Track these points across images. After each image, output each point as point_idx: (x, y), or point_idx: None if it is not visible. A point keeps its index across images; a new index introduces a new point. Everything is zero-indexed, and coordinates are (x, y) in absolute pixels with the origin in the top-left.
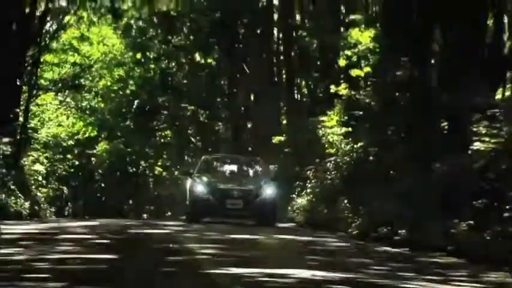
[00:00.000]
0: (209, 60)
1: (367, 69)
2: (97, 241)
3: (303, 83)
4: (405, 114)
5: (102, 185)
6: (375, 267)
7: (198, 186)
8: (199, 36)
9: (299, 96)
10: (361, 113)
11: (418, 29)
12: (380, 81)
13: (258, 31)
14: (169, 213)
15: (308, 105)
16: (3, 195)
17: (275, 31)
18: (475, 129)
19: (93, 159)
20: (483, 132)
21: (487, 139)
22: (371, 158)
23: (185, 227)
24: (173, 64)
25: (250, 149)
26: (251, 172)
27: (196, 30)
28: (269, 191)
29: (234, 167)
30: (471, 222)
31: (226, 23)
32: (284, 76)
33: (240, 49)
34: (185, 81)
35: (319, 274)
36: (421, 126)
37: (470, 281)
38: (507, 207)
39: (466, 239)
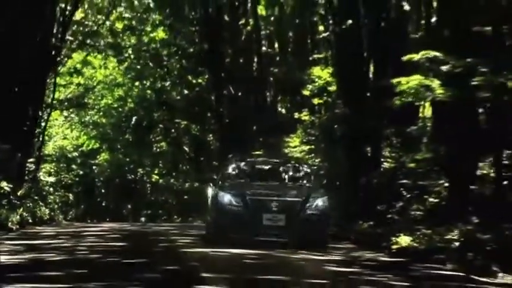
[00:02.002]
0: (199, 81)
1: (322, 100)
2: (111, 236)
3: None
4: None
5: (103, 191)
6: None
7: (225, 196)
8: (192, 61)
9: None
10: (317, 133)
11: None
12: (328, 115)
13: (241, 60)
14: (164, 217)
15: (281, 126)
16: (30, 204)
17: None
18: (387, 153)
19: (94, 168)
20: (387, 155)
21: (389, 160)
22: (322, 172)
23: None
24: (167, 84)
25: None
26: (295, 179)
27: (189, 55)
28: (319, 202)
29: (272, 172)
30: (371, 222)
31: (214, 50)
32: (269, 99)
33: (227, 72)
34: (178, 98)
35: None
36: (353, 150)
37: (344, 254)
38: (392, 210)
39: (363, 232)
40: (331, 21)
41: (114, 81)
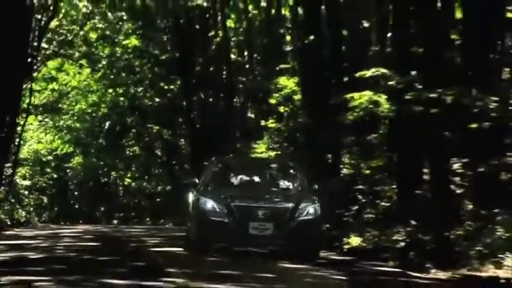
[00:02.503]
0: (171, 87)
1: (288, 108)
2: (85, 237)
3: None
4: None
5: (76, 193)
6: None
7: (208, 202)
8: (164, 68)
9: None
10: (281, 140)
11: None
12: (292, 124)
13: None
14: (136, 220)
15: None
16: (8, 207)
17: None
18: (347, 160)
19: (68, 171)
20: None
21: (348, 167)
22: None
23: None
24: (139, 90)
25: (206, 163)
26: (284, 183)
27: (161, 62)
28: (311, 209)
29: (260, 176)
30: (328, 225)
31: (185, 58)
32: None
33: (197, 79)
34: (150, 104)
35: None
36: (315, 157)
37: None
38: (348, 213)
39: None
40: (296, 35)
41: (88, 87)
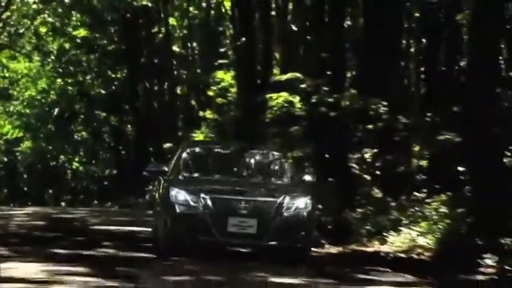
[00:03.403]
0: (118, 75)
1: (226, 100)
2: (34, 217)
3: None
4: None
5: (25, 176)
6: None
7: (179, 193)
8: (111, 58)
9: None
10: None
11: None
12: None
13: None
14: (83, 202)
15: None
16: None
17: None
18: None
19: (18, 154)
20: None
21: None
22: None
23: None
24: (88, 78)
25: (151, 149)
26: (270, 173)
27: (108, 52)
28: (300, 203)
29: (241, 164)
30: None
31: (131, 50)
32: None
33: (142, 69)
34: (98, 91)
35: None
36: None
37: None
38: None
39: None
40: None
41: (38, 74)
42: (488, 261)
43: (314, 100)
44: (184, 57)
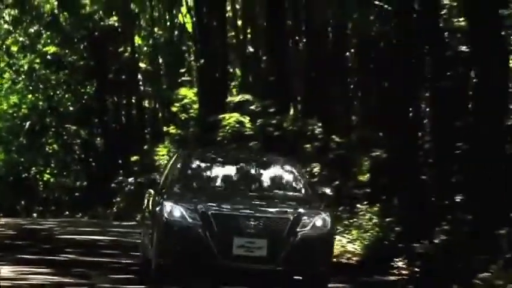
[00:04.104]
0: (88, 90)
1: (188, 116)
2: (6, 227)
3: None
4: None
5: None
6: None
7: (175, 208)
8: (80, 73)
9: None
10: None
11: None
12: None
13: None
14: (55, 213)
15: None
16: None
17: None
18: None
19: None
20: None
21: None
22: None
23: None
24: (58, 92)
25: (120, 161)
26: (282, 185)
27: (77, 68)
28: (318, 221)
29: (247, 175)
30: None
31: (99, 67)
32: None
33: (111, 84)
34: (68, 105)
35: None
36: None
37: None
38: None
39: None
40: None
41: (10, 90)
42: (400, 264)
43: (260, 121)
44: (151, 73)
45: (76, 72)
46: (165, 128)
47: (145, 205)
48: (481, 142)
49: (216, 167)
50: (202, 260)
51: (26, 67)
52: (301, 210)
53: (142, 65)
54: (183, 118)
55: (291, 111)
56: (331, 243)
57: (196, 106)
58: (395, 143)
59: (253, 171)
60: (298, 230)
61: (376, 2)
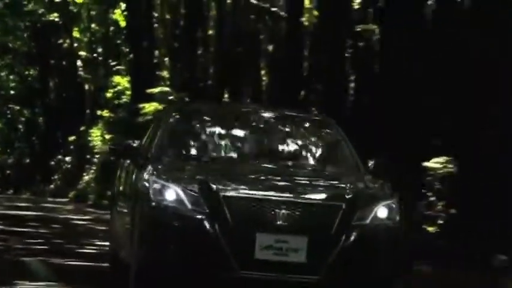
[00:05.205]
0: (31, 72)
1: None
2: None
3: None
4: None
5: None
6: None
7: (168, 189)
8: (24, 57)
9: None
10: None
11: None
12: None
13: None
14: None
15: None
16: None
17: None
18: None
19: None
20: None
21: None
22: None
23: None
24: (2, 74)
25: (60, 140)
26: (324, 155)
27: (22, 53)
28: (382, 211)
29: (274, 139)
30: None
31: (42, 52)
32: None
33: (52, 69)
34: (12, 86)
35: None
36: None
37: None
38: None
39: None
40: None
41: None
42: None
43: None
44: (89, 61)
45: (20, 56)
46: (99, 112)
47: (118, 183)
48: None
49: (224, 127)
50: (209, 268)
51: None
52: (355, 194)
53: (82, 52)
54: (116, 103)
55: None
56: (401, 241)
57: (129, 93)
58: None
59: (280, 133)
60: (353, 223)
61: None
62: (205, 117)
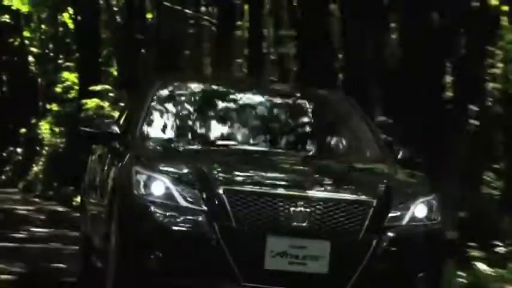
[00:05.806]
0: None
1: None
2: None
3: None
4: None
5: None
6: None
7: (155, 181)
8: None
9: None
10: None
11: None
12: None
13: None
14: None
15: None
16: None
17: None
18: None
19: None
20: None
21: None
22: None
23: None
24: None
25: (13, 133)
26: (347, 142)
27: None
28: (420, 210)
29: (280, 122)
30: None
31: None
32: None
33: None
34: None
35: None
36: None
37: None
38: None
39: None
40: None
41: None
42: None
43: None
44: (41, 56)
45: None
46: (48, 106)
47: (89, 173)
48: None
49: (221, 103)
50: (206, 279)
51: None
52: (389, 187)
53: (33, 49)
54: (64, 97)
55: None
56: (443, 244)
57: (77, 88)
58: None
59: (289, 113)
60: (386, 224)
61: None
62: (199, 92)
